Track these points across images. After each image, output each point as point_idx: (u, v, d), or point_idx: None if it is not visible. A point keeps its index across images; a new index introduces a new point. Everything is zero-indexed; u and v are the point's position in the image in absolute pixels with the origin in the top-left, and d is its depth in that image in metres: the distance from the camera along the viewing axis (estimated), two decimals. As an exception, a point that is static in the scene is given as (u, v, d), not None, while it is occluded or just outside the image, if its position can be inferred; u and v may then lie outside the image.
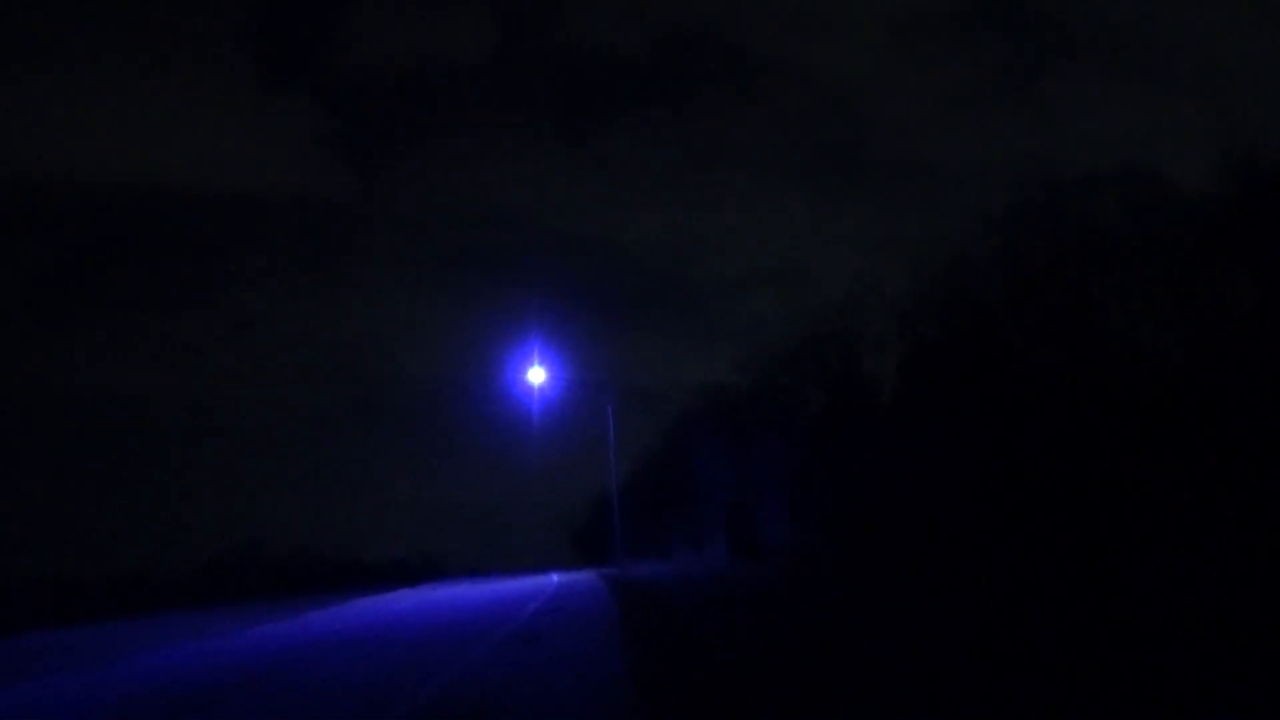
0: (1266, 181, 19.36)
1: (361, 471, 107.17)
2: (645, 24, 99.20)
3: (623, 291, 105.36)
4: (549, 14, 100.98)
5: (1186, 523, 17.00)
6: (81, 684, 10.65)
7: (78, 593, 42.13)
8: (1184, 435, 19.12)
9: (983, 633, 9.53)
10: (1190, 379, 20.65)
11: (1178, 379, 20.98)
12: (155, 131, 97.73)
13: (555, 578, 41.74)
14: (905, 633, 9.56)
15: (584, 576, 39.26)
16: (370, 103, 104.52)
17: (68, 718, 8.34)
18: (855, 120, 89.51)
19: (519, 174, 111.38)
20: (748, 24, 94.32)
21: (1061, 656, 7.58)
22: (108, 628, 23.35)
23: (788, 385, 36.29)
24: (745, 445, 34.61)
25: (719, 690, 7.02)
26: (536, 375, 32.01)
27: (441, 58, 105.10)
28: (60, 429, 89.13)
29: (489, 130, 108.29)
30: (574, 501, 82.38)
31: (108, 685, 10.30)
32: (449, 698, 7.35)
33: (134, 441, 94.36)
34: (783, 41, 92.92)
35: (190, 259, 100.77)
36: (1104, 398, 21.26)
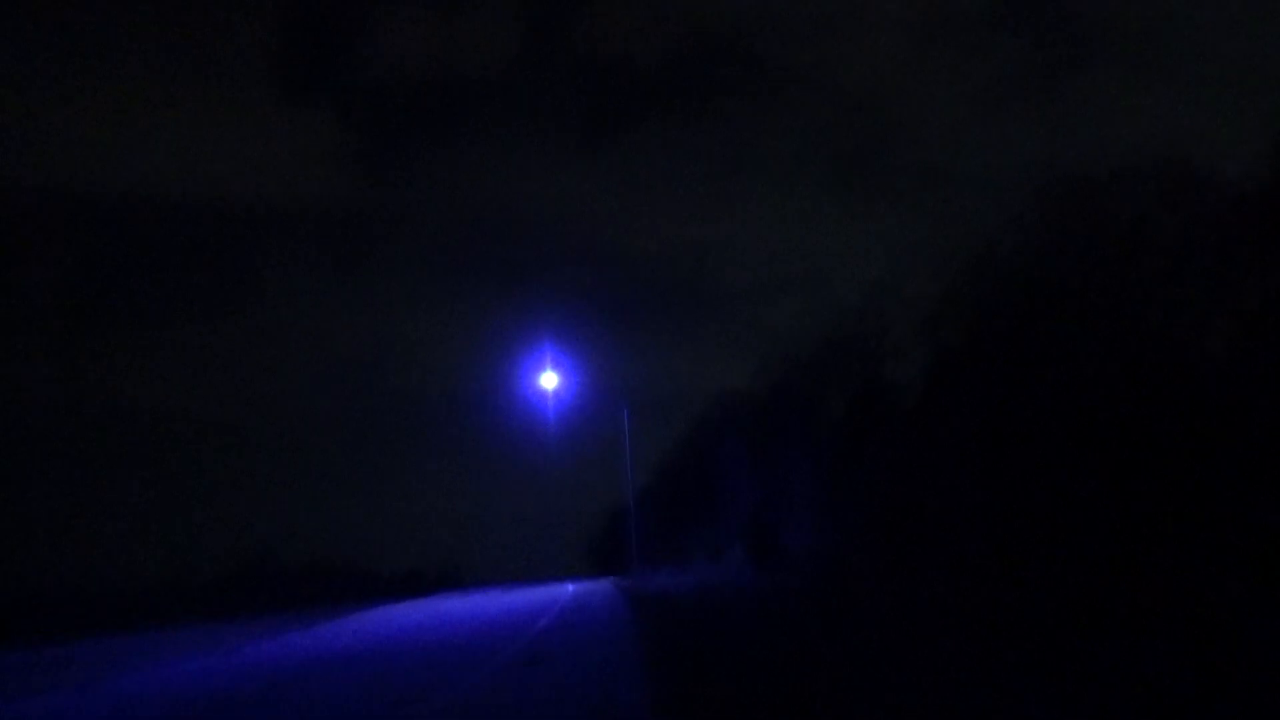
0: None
1: (379, 482, 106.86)
2: (665, 32, 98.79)
3: (640, 300, 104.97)
4: (568, 24, 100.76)
5: (1232, 528, 16.11)
6: (77, 700, 10.14)
7: (94, 604, 41.88)
8: (1227, 437, 18.19)
9: (1024, 649, 8.75)
10: (1233, 379, 19.70)
11: (1219, 379, 20.03)
12: (176, 143, 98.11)
13: (570, 588, 40.99)
14: (942, 648, 8.77)
15: (599, 586, 38.42)
16: (389, 114, 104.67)
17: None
18: (876, 126, 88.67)
19: (538, 183, 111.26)
20: (767, 31, 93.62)
21: (1114, 674, 6.80)
22: (117, 641, 22.94)
23: (808, 391, 35.43)
24: (765, 452, 33.76)
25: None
26: (549, 380, 31.27)
27: (460, 68, 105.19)
28: (79, 439, 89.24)
29: (508, 140, 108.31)
30: (590, 511, 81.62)
31: (101, 700, 9.76)
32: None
33: (152, 452, 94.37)
34: (802, 48, 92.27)
35: (211, 271, 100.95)
36: (1141, 400, 20.32)
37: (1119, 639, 8.63)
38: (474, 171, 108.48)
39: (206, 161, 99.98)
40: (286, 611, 35.92)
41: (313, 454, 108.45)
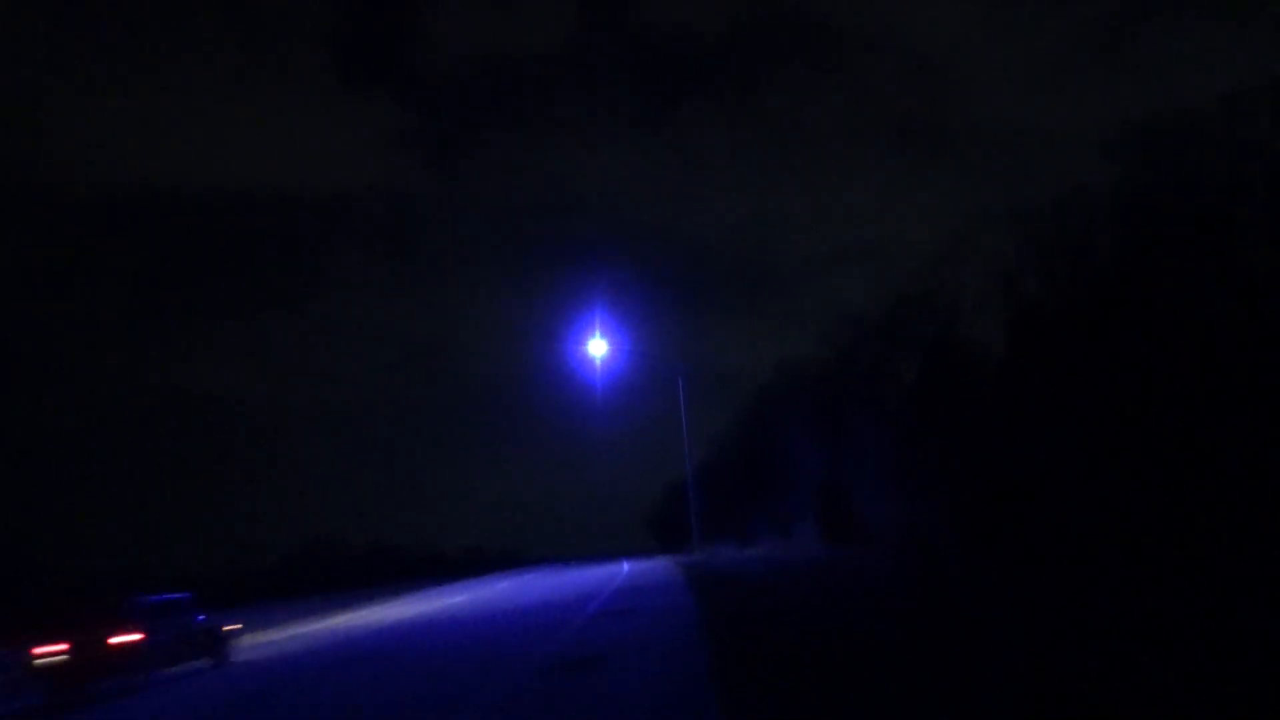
0: None
1: (441, 462, 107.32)
2: (721, 3, 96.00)
3: (700, 275, 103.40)
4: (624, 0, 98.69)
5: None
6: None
7: (163, 586, 42.60)
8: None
9: (1125, 627, 6.84)
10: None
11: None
12: (240, 136, 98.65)
13: (625, 567, 39.51)
14: (1047, 632, 6.82)
15: (657, 565, 36.73)
16: (448, 98, 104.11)
17: None
18: (940, 87, 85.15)
19: (595, 162, 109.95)
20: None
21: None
22: None
23: (878, 354, 33.23)
24: (834, 421, 31.60)
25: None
26: (597, 347, 29.49)
27: (517, 49, 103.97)
28: (151, 428, 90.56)
29: (565, 119, 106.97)
30: (649, 486, 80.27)
31: None
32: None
33: (222, 439, 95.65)
34: (863, 10, 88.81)
35: (277, 260, 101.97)
36: (1250, 348, 17.88)
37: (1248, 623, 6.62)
38: (532, 151, 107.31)
39: (270, 152, 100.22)
40: (338, 595, 35.33)
41: (376, 437, 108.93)
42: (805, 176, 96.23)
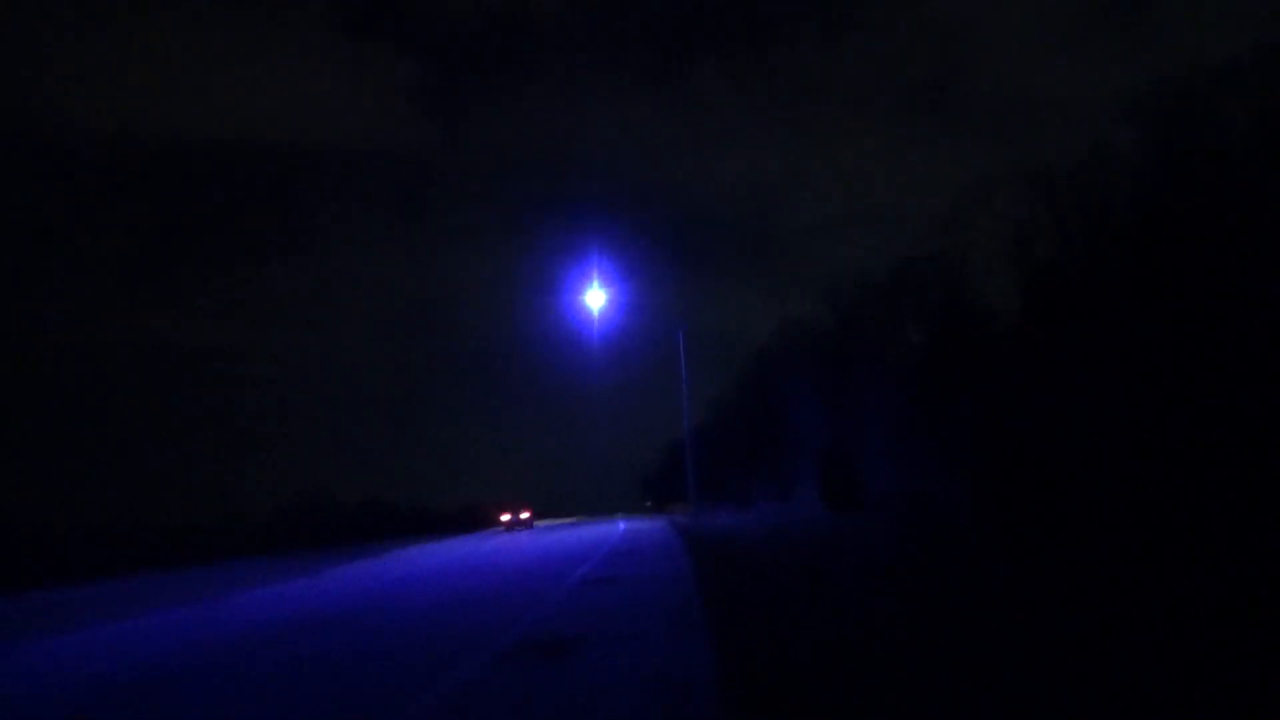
0: None
1: (442, 419, 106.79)
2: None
3: (705, 237, 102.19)
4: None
5: None
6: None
7: (154, 540, 42.83)
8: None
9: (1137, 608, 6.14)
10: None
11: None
12: (242, 86, 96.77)
13: (621, 526, 39.45)
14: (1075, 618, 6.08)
15: (653, 525, 36.23)
16: (454, 51, 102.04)
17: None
18: (951, 55, 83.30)
19: (601, 121, 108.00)
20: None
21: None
22: (133, 580, 21.54)
23: (884, 317, 32.37)
24: (838, 384, 30.78)
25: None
26: (595, 298, 28.54)
27: (525, 3, 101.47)
28: (144, 380, 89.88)
29: (572, 77, 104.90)
30: (648, 446, 79.72)
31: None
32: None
33: (214, 392, 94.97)
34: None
35: (278, 212, 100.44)
36: (1277, 312, 17.00)
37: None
38: (537, 109, 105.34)
39: (272, 103, 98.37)
40: (320, 551, 35.28)
41: (371, 392, 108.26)
42: (814, 138, 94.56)
